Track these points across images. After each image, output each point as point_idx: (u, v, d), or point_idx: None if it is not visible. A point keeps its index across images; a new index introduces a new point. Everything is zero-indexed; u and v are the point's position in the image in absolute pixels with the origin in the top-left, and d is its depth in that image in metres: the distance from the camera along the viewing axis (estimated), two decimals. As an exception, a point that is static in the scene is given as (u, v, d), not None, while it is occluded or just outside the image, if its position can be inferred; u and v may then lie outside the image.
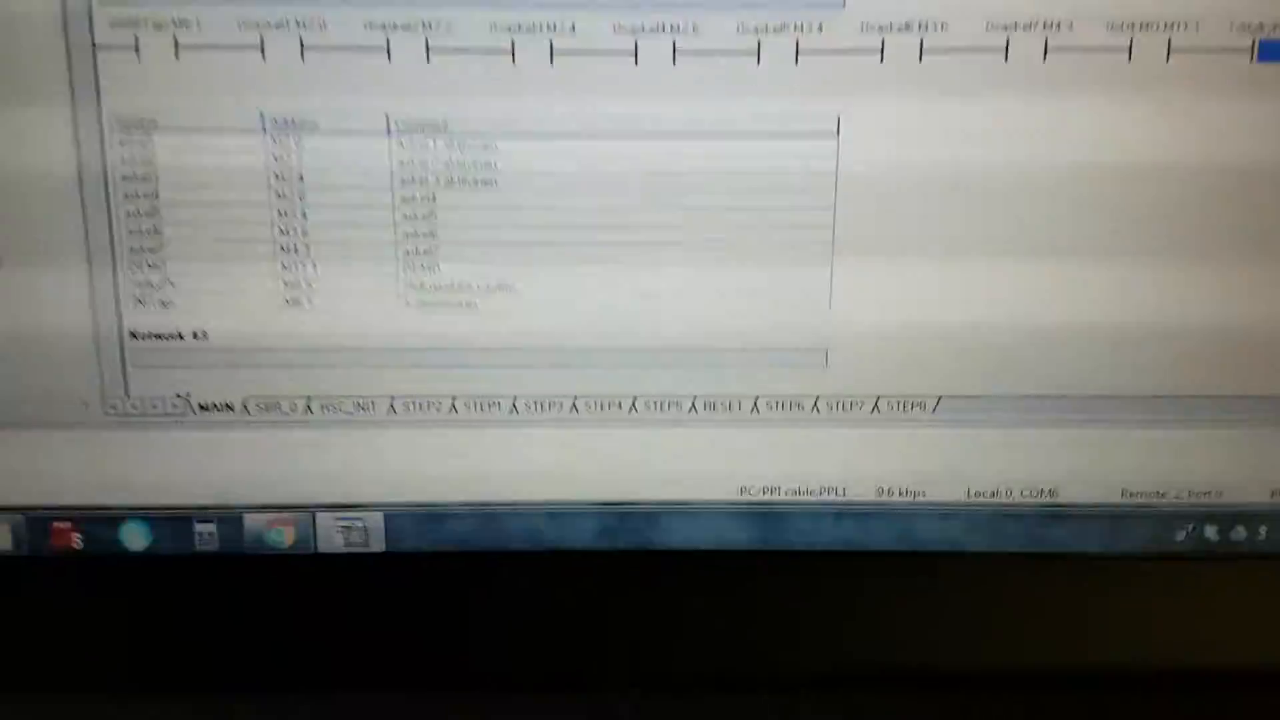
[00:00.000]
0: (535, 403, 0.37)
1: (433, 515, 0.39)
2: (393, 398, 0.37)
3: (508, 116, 0.34)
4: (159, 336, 0.37)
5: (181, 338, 0.37)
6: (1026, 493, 0.38)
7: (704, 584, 0.39)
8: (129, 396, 0.37)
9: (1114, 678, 0.39)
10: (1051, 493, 0.38)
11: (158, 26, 0.33)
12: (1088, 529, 0.38)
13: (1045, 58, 0.34)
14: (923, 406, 0.37)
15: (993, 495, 0.38)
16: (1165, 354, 0.36)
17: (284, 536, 0.39)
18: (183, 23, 0.33)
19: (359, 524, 0.39)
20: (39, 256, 0.35)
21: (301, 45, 0.34)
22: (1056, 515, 0.38)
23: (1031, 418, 0.37)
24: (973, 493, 0.38)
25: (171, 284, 0.36)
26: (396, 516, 0.39)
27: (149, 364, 0.37)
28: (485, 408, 0.37)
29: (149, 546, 0.39)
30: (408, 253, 0.36)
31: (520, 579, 0.39)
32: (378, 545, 0.39)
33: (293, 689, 0.40)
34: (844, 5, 0.33)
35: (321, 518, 0.39)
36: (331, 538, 0.39)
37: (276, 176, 0.35)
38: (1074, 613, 0.39)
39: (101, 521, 0.38)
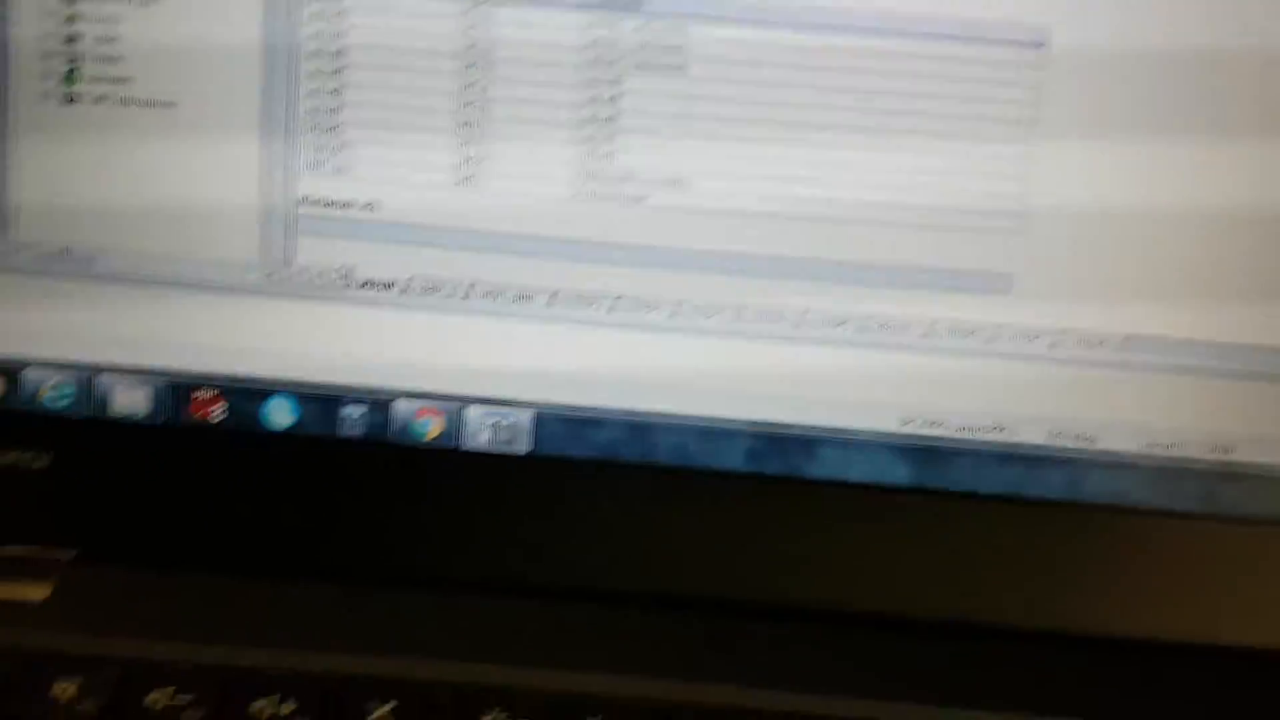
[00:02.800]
0: (697, 308, 0.36)
1: (582, 418, 0.37)
2: (553, 291, 0.36)
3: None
4: (329, 204, 0.36)
5: (351, 206, 0.36)
6: (1204, 448, 0.36)
7: (855, 520, 0.38)
8: (291, 264, 0.36)
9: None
10: (1227, 449, 0.36)
11: None
12: (1263, 492, 0.36)
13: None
14: (1106, 343, 0.36)
15: (1168, 448, 0.36)
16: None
17: (430, 427, 0.38)
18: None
19: (507, 420, 0.37)
20: (216, 111, 0.35)
21: (513, -93, 0.33)
22: (1232, 475, 0.36)
23: (1214, 366, 0.36)
24: (1147, 443, 0.36)
25: (348, 150, 0.35)
26: (546, 416, 0.37)
27: (316, 232, 0.36)
28: (646, 309, 0.36)
29: (292, 425, 0.38)
30: (586, 137, 0.35)
31: (663, 497, 0.38)
32: (522, 446, 0.38)
33: (415, 585, 0.38)
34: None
35: (470, 410, 0.37)
36: (478, 433, 0.38)
37: (465, 47, 0.34)
38: (1240, 578, 0.37)
39: (247, 394, 0.37)
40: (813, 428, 0.37)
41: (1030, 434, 0.37)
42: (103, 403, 0.38)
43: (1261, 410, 0.36)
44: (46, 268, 0.36)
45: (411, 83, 0.35)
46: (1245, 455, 0.36)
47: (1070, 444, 0.37)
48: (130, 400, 0.38)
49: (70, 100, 0.35)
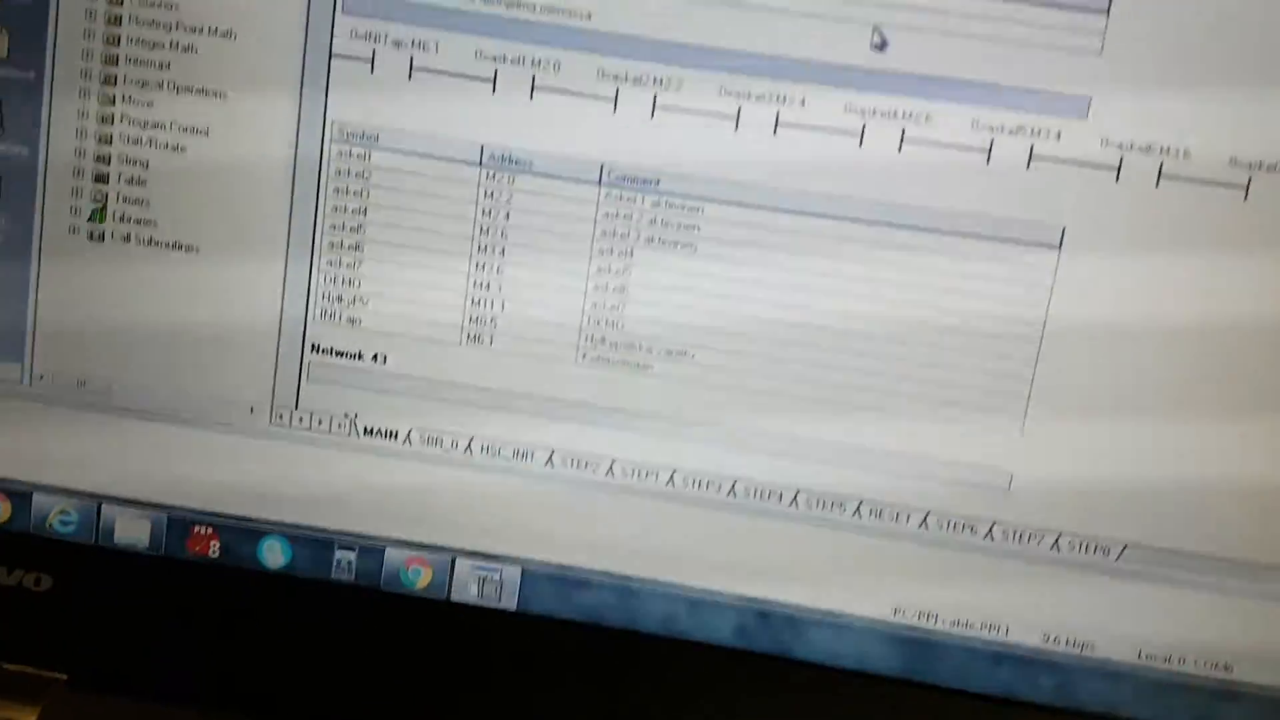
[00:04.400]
0: (694, 480, 0.36)
1: (570, 579, 0.37)
2: (552, 450, 0.36)
3: (721, 181, 0.34)
4: (340, 354, 0.36)
5: (361, 358, 0.36)
6: (1201, 663, 0.35)
7: (840, 705, 0.37)
8: (298, 408, 0.37)
9: None
10: (1226, 667, 0.35)
11: (396, 44, 0.34)
12: (1261, 713, 0.35)
13: (1288, 202, 0.32)
14: (1106, 552, 0.35)
15: (1165, 661, 0.35)
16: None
17: (420, 577, 0.38)
18: (421, 44, 0.34)
19: (496, 575, 0.37)
20: (236, 256, 0.36)
21: (533, 84, 0.34)
22: (1229, 693, 0.35)
23: (1218, 582, 0.35)
24: (1144, 655, 0.36)
25: (362, 302, 0.36)
26: (534, 574, 0.37)
27: (324, 379, 0.37)
28: (642, 476, 0.36)
29: (285, 566, 0.38)
30: (595, 305, 0.35)
31: (647, 666, 0.38)
32: (509, 602, 0.38)
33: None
34: (1087, 116, 0.32)
35: (461, 563, 0.38)
36: (466, 586, 0.38)
37: (483, 212, 0.35)
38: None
39: (244, 533, 0.38)
40: (803, 608, 0.37)
41: (1025, 635, 0.36)
42: (107, 532, 0.38)
43: (1263, 629, 0.35)
44: (62, 397, 0.37)
45: (427, 241, 0.36)
46: (1244, 674, 0.35)
47: (1065, 649, 0.36)
48: (132, 531, 0.38)
49: (96, 237, 0.36)
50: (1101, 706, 0.36)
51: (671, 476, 0.36)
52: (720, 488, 0.36)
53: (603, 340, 0.36)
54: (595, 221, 0.35)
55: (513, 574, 0.38)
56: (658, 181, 0.34)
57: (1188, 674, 0.35)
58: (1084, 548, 0.35)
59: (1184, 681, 0.35)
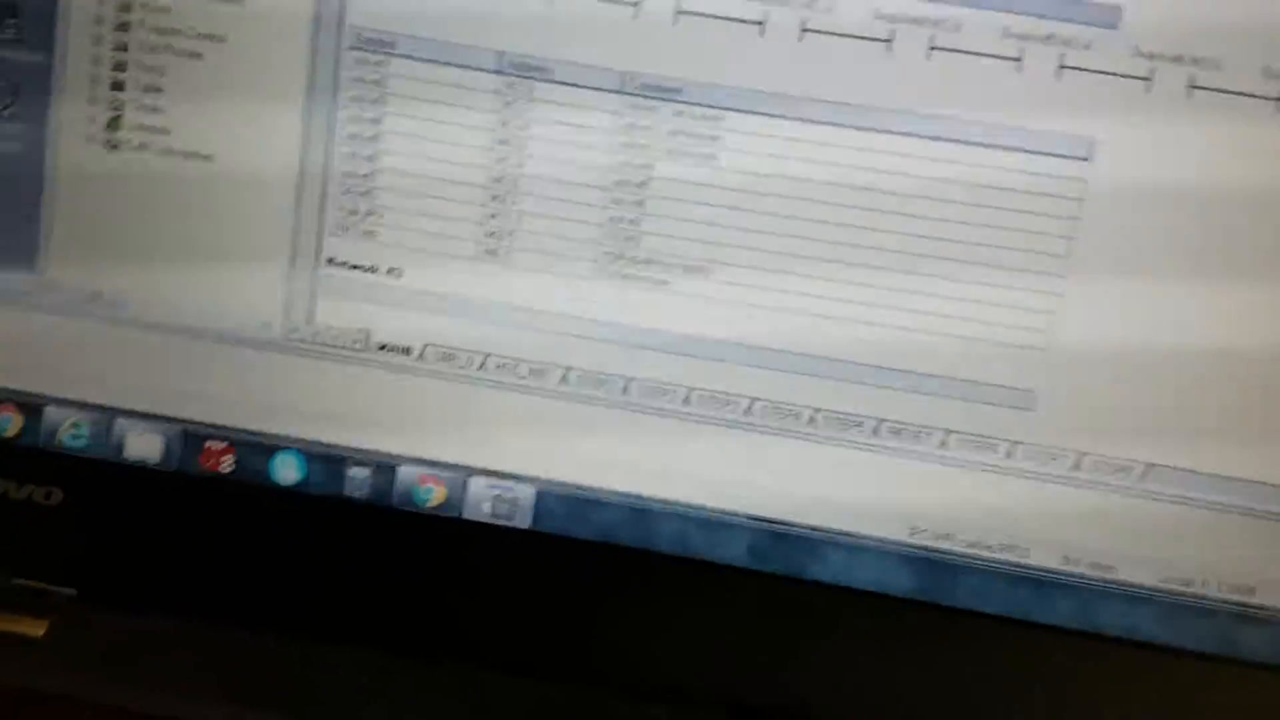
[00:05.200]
0: (710, 397, 0.36)
1: (584, 499, 0.37)
2: (568, 369, 0.36)
3: (744, 90, 0.33)
4: (355, 267, 0.36)
5: (376, 271, 0.36)
6: (1223, 587, 0.35)
7: (853, 627, 0.37)
8: (312, 323, 0.37)
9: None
10: (1249, 590, 0.35)
11: None
12: (1284, 640, 0.35)
13: (1321, 114, 0.32)
14: (1129, 472, 0.34)
15: (1186, 584, 0.35)
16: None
17: (432, 495, 0.37)
18: None
19: (509, 494, 0.37)
20: (251, 166, 0.36)
21: (554, -12, 0.33)
22: (1252, 617, 0.35)
23: (1240, 504, 0.34)
24: (1165, 578, 0.35)
25: (377, 215, 0.36)
26: (548, 493, 0.37)
27: (338, 293, 0.36)
28: (658, 395, 0.36)
29: (298, 483, 0.38)
30: (612, 219, 0.35)
31: (662, 587, 0.37)
32: (523, 521, 0.37)
33: (406, 653, 0.38)
34: (1118, 27, 0.32)
35: (474, 482, 0.37)
36: (479, 505, 0.37)
37: (501, 123, 0.35)
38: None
39: (257, 448, 0.38)
40: (818, 529, 0.36)
41: (1044, 557, 0.35)
42: (118, 446, 0.38)
43: (1287, 553, 0.34)
44: (76, 310, 0.37)
45: (444, 152, 0.35)
46: (1266, 598, 0.35)
47: (1085, 570, 0.35)
48: (144, 445, 0.38)
49: (112, 146, 0.36)
50: (1121, 630, 0.35)
51: (688, 395, 0.36)
52: (738, 406, 0.36)
53: (621, 256, 0.35)
54: (615, 134, 0.34)
55: (527, 493, 0.37)
56: (680, 90, 0.34)
57: (1210, 597, 0.35)
58: (1106, 468, 0.35)
59: (1206, 605, 0.35)
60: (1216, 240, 0.33)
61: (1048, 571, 0.36)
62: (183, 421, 0.38)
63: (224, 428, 0.38)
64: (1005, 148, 0.33)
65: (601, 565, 0.37)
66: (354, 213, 0.36)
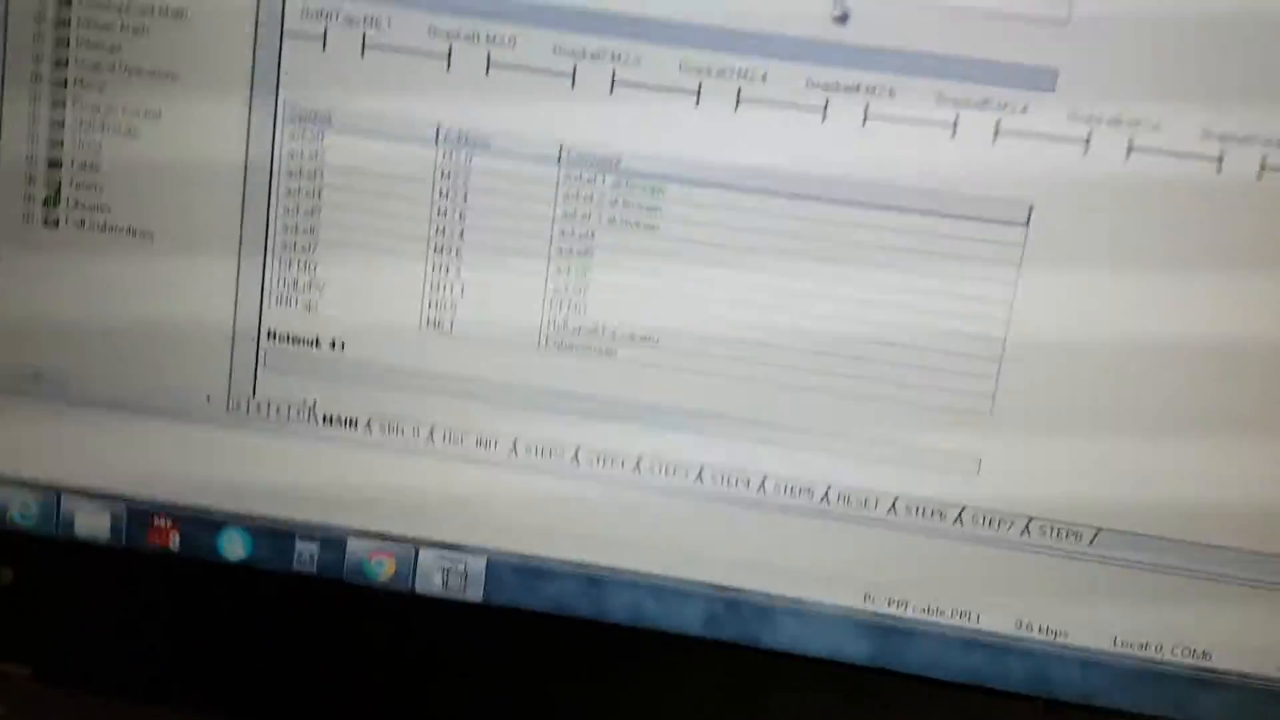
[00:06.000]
0: (660, 465, 0.35)
1: (536, 569, 0.37)
2: (515, 439, 0.36)
3: (682, 160, 0.33)
4: (297, 340, 0.36)
5: (318, 345, 0.36)
6: (1179, 651, 0.35)
7: (808, 695, 0.36)
8: (255, 396, 0.36)
9: None
10: (1204, 654, 0.35)
11: (349, 21, 0.33)
12: (1238, 701, 0.34)
13: (1260, 176, 0.31)
14: (1079, 537, 0.34)
15: (1141, 647, 0.35)
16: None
17: (383, 569, 0.37)
18: (374, 21, 0.33)
19: (460, 566, 0.37)
20: (191, 241, 0.35)
21: (488, 61, 0.33)
22: (1208, 681, 0.35)
23: (1195, 568, 0.34)
24: (1120, 641, 0.35)
25: (318, 288, 0.35)
26: (499, 564, 0.37)
27: (281, 366, 0.36)
28: (607, 463, 0.36)
29: (246, 558, 0.37)
30: (556, 289, 0.35)
31: (613, 656, 0.37)
32: (475, 593, 0.37)
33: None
34: (1054, 90, 0.31)
35: (425, 554, 0.37)
36: (430, 577, 0.37)
37: (440, 193, 0.34)
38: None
39: (204, 524, 0.37)
40: (773, 596, 0.36)
41: (997, 622, 0.35)
42: (67, 524, 0.38)
43: (1242, 616, 0.34)
44: (18, 387, 0.37)
45: (384, 222, 0.35)
46: (1223, 662, 0.34)
47: (1038, 635, 0.35)
48: (92, 523, 0.38)
49: (50, 223, 0.36)
50: (1076, 695, 0.35)
51: (637, 463, 0.36)
52: (686, 474, 0.35)
53: (565, 325, 0.35)
54: (555, 203, 0.34)
55: (478, 564, 0.37)
56: (618, 161, 0.34)
57: (1165, 661, 0.35)
58: (1056, 533, 0.34)
59: (1161, 669, 0.35)
60: (1159, 303, 0.32)
61: (1001, 636, 0.35)
62: (129, 499, 0.37)
63: (171, 504, 0.37)
64: (944, 214, 0.32)
65: (555, 636, 0.37)
66: (295, 284, 0.35)
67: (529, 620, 0.37)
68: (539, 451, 0.36)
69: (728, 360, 0.34)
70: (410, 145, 0.34)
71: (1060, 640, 0.35)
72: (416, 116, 0.34)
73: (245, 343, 0.36)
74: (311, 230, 0.35)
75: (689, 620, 0.36)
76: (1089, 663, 0.35)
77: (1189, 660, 0.34)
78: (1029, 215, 0.32)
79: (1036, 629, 0.35)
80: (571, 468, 0.36)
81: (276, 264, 0.35)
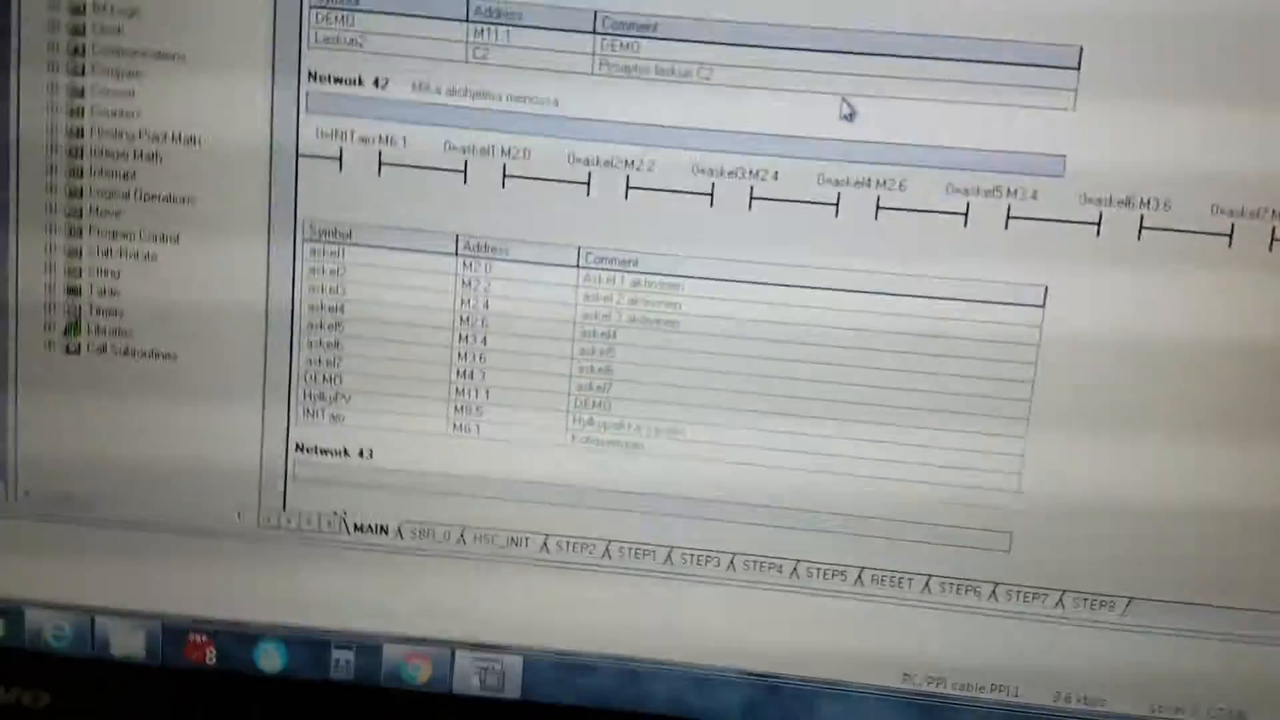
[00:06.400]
0: (692, 556, 0.36)
1: (572, 665, 0.37)
2: (547, 535, 0.36)
3: (699, 260, 0.34)
4: (324, 451, 0.36)
5: (347, 454, 0.36)
6: (1215, 712, 0.35)
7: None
8: (285, 509, 0.36)
9: None
10: (1240, 715, 0.35)
11: (364, 140, 0.34)
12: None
13: (1271, 247, 0.32)
14: (1111, 606, 0.34)
15: (1177, 712, 0.35)
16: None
17: (420, 672, 0.37)
18: (389, 139, 0.33)
19: (497, 666, 0.37)
20: (215, 361, 0.35)
21: (504, 173, 0.34)
22: (1249, 743, 0.35)
23: (1226, 631, 0.34)
24: (1157, 707, 0.35)
25: (344, 399, 0.36)
26: (535, 662, 0.37)
27: (310, 478, 0.36)
28: (640, 555, 0.36)
29: (283, 669, 0.38)
30: (580, 387, 0.35)
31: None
32: (513, 691, 0.37)
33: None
34: (1063, 174, 0.32)
35: (461, 656, 0.37)
36: (468, 678, 0.37)
37: (462, 301, 0.35)
38: None
39: (240, 638, 0.37)
40: (811, 680, 0.36)
41: (1034, 695, 0.35)
42: (102, 644, 0.38)
43: (1275, 675, 0.34)
44: (48, 513, 0.37)
45: (408, 333, 0.35)
46: (1261, 722, 0.35)
47: (1076, 706, 0.35)
48: (127, 642, 0.38)
49: (72, 351, 0.36)
50: (1117, 761, 0.35)
51: (669, 554, 0.36)
52: (719, 563, 0.36)
53: (591, 421, 0.35)
54: (576, 305, 0.34)
55: (514, 663, 0.37)
56: (636, 261, 0.34)
57: (1203, 725, 0.35)
58: (1088, 604, 0.34)
59: (1200, 733, 0.35)
60: (1176, 382, 0.33)
61: (1040, 709, 0.35)
62: (163, 616, 0.38)
63: (205, 620, 0.37)
64: (960, 299, 0.33)
65: (596, 729, 0.37)
66: (322, 398, 0.36)
67: (570, 715, 0.37)
68: (570, 547, 0.36)
69: (755, 450, 0.35)
70: (430, 256, 0.34)
71: (1099, 709, 0.35)
72: (435, 228, 0.34)
73: (274, 457, 0.36)
74: (336, 344, 0.35)
75: (730, 708, 0.37)
76: (1128, 730, 0.35)
77: (1226, 722, 0.35)
78: (1045, 298, 0.33)
79: (1075, 699, 0.35)
80: (603, 562, 0.36)
81: (302, 376, 0.35)
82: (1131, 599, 0.34)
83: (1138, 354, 0.33)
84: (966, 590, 0.35)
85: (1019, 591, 0.35)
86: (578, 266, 0.34)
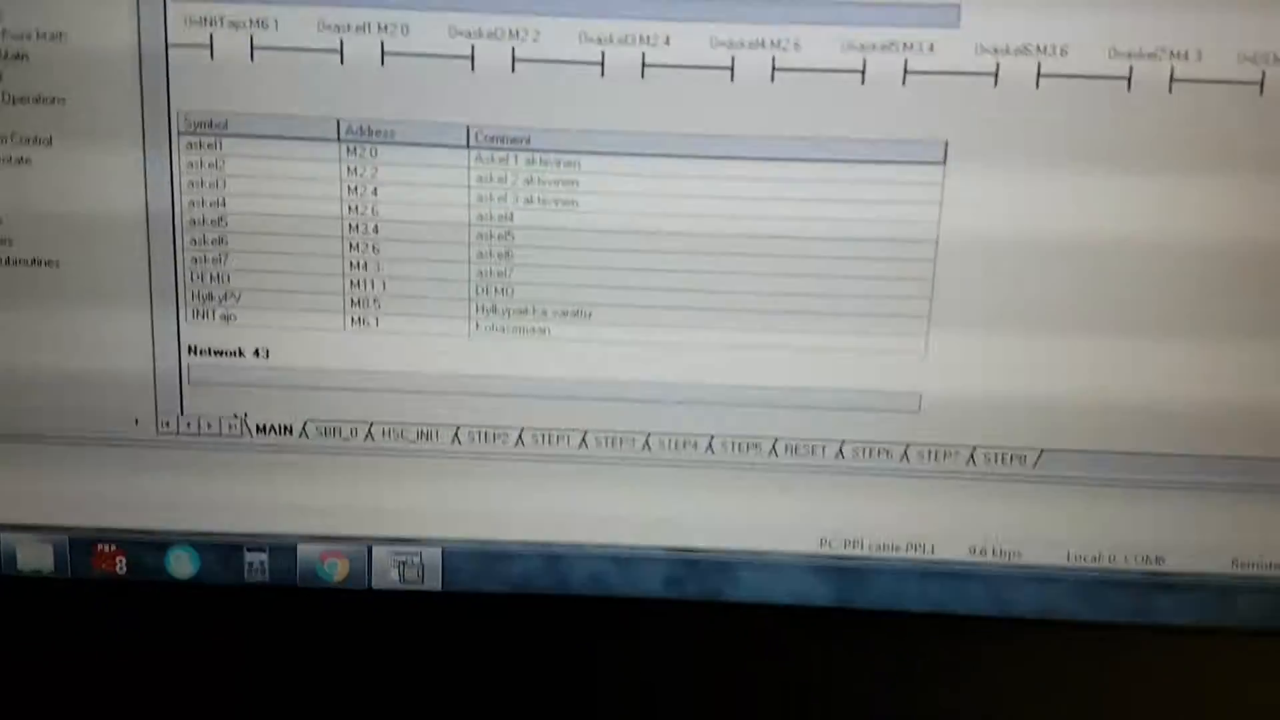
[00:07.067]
0: (605, 439, 0.35)
1: (493, 553, 0.36)
2: (458, 427, 0.35)
3: (593, 132, 0.33)
4: (218, 353, 0.35)
5: (242, 355, 0.35)
6: (1132, 559, 0.35)
7: (776, 642, 0.37)
8: (183, 414, 0.35)
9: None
10: (1158, 560, 0.35)
11: (234, 25, 0.32)
12: (1197, 600, 0.35)
13: (1171, 88, 0.31)
14: (1023, 460, 0.35)
15: (1094, 560, 0.35)
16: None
17: (337, 570, 0.37)
18: (260, 22, 0.32)
19: (416, 559, 0.37)
20: (97, 262, 0.34)
21: (383, 50, 0.32)
22: (1163, 584, 0.35)
23: (1139, 478, 0.35)
24: (1073, 556, 0.35)
25: (234, 298, 0.34)
26: (455, 553, 0.36)
27: (206, 381, 0.35)
28: (553, 441, 0.35)
29: (195, 575, 0.37)
30: (481, 273, 0.34)
31: (580, 627, 0.37)
32: (434, 583, 0.37)
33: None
34: (958, 25, 0.31)
35: (378, 551, 0.37)
36: (387, 572, 0.37)
37: (350, 189, 0.33)
38: (1180, 689, 0.36)
39: (148, 546, 0.37)
40: (730, 551, 0.36)
41: (951, 550, 0.36)
42: (9, 560, 0.37)
43: (1190, 518, 0.35)
44: (-61, 431, 0.35)
45: (296, 225, 0.34)
46: (1176, 564, 0.35)
47: (993, 559, 0.36)
48: (34, 557, 0.37)
49: (-50, 262, 0.34)
50: (1036, 611, 0.36)
51: (584, 438, 0.35)
52: (634, 443, 0.35)
53: (494, 309, 0.34)
54: (470, 187, 0.33)
55: (434, 555, 0.37)
56: (529, 139, 0.33)
57: (1119, 570, 0.35)
58: (1000, 459, 0.35)
59: (1116, 578, 0.35)
60: (1077, 224, 0.32)
61: (956, 564, 0.36)
62: (69, 529, 0.37)
63: (112, 530, 0.37)
64: (859, 160, 0.32)
65: (520, 616, 0.37)
66: (210, 298, 0.34)
67: (493, 603, 0.37)
68: (482, 437, 0.35)
69: (658, 327, 0.34)
70: (312, 144, 0.33)
71: (1015, 561, 0.36)
72: (315, 114, 0.33)
73: (167, 361, 0.35)
74: (221, 240, 0.34)
75: (651, 584, 0.37)
76: (1045, 579, 0.36)
77: (1143, 566, 0.35)
78: (945, 153, 0.32)
79: (990, 553, 0.36)
80: (516, 450, 0.36)
81: (188, 277, 0.34)
82: (1043, 451, 0.34)
83: (1041, 207, 0.32)
84: (879, 453, 0.35)
85: (931, 450, 0.35)
86: (468, 147, 0.33)
